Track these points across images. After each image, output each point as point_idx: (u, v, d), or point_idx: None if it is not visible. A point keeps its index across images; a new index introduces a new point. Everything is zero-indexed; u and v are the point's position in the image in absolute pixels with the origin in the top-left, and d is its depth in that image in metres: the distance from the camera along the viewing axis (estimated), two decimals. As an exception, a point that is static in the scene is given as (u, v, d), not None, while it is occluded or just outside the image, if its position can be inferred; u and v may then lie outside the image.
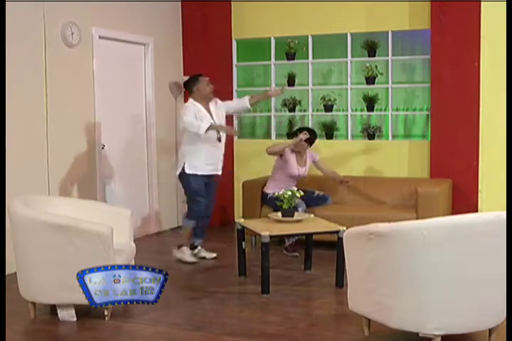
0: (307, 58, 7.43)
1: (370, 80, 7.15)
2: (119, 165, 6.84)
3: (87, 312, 4.36)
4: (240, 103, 6.13)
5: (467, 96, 6.53)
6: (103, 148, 6.55)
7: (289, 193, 5.26)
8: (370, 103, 7.19)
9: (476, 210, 6.45)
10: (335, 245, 4.98)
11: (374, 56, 7.15)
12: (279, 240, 6.25)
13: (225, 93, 7.36)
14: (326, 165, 6.54)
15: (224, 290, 5.06)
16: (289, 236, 5.83)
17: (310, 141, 6.24)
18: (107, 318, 4.28)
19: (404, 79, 7.25)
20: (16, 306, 4.50)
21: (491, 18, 6.31)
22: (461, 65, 6.54)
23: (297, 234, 5.61)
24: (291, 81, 7.49)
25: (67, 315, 4.27)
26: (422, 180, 6.66)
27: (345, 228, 4.71)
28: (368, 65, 7.15)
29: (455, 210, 6.40)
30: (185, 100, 6.35)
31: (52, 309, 4.38)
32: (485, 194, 6.55)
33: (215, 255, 6.05)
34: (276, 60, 7.58)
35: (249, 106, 6.11)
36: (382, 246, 3.60)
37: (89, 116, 6.38)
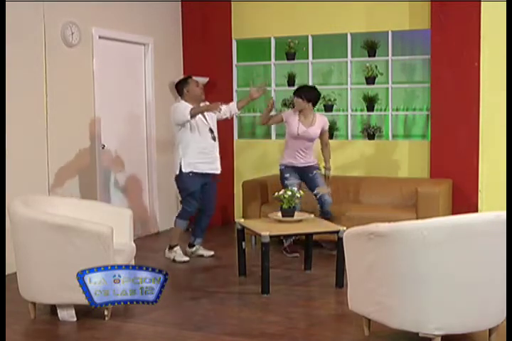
0: (307, 58, 7.42)
1: (370, 80, 7.15)
2: (119, 165, 6.84)
3: (87, 312, 4.36)
4: (228, 108, 6.04)
5: (467, 96, 6.53)
6: (103, 148, 6.55)
7: (289, 193, 5.26)
8: (370, 103, 7.19)
9: (476, 210, 6.45)
10: (335, 245, 4.99)
11: (374, 56, 7.15)
12: (278, 240, 6.25)
13: (225, 93, 7.39)
14: (328, 146, 6.22)
15: (224, 290, 5.06)
16: (287, 236, 5.83)
17: (313, 101, 5.95)
18: (107, 318, 4.28)
19: (404, 79, 7.25)
20: (15, 306, 4.50)
21: (491, 18, 6.32)
22: (461, 65, 6.54)
23: (297, 234, 5.61)
24: (291, 81, 7.49)
25: (67, 315, 4.27)
26: (422, 180, 6.65)
27: (345, 228, 4.71)
28: (367, 64, 7.15)
29: (455, 210, 6.40)
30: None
31: (52, 309, 4.38)
32: (485, 194, 6.55)
33: (212, 253, 6.11)
34: (276, 60, 7.58)
35: (237, 110, 6.13)
36: (382, 246, 3.60)
37: (89, 116, 6.38)
